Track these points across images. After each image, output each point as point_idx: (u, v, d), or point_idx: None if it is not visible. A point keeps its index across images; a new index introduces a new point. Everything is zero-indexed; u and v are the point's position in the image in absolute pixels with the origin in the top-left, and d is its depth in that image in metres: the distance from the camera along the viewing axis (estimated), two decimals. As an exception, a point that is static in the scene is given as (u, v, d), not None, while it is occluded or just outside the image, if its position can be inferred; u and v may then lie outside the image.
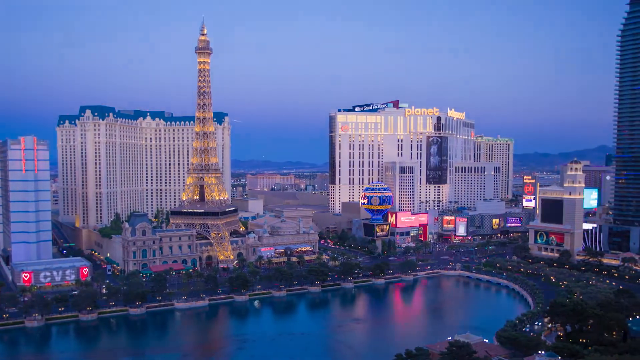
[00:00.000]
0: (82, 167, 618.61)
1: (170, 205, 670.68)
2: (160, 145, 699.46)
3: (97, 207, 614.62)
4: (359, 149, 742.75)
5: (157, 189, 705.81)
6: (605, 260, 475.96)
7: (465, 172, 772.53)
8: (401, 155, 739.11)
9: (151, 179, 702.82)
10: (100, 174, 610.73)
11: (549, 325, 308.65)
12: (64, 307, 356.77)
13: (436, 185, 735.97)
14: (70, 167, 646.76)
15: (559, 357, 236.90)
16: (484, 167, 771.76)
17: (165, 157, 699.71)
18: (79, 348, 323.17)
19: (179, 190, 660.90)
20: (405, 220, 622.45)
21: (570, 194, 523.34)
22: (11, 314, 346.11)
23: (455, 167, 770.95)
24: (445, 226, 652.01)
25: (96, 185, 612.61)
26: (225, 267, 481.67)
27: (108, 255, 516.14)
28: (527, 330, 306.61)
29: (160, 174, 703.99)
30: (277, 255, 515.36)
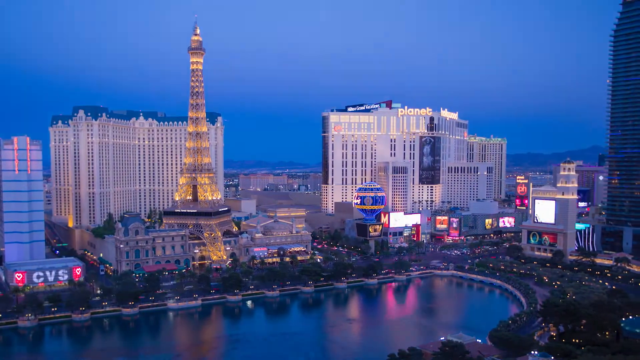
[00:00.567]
0: (75, 167, 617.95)
1: (163, 205, 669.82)
2: (153, 146, 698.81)
3: (90, 207, 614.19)
4: (352, 149, 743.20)
5: (150, 189, 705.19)
6: (598, 261, 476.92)
7: (458, 172, 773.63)
8: (394, 155, 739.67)
9: (144, 179, 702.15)
10: (93, 174, 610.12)
11: (542, 325, 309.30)
12: (57, 307, 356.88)
13: (429, 186, 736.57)
14: (63, 167, 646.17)
15: (552, 357, 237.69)
16: (477, 167, 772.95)
17: (158, 157, 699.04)
18: (71, 348, 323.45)
19: (172, 190, 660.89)
20: (398, 220, 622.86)
21: (563, 194, 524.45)
22: (4, 314, 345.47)
23: (448, 167, 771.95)
24: (438, 226, 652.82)
25: (89, 185, 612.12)
26: (218, 267, 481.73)
27: (101, 255, 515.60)
28: (520, 330, 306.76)
29: (153, 174, 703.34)
30: (270, 255, 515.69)
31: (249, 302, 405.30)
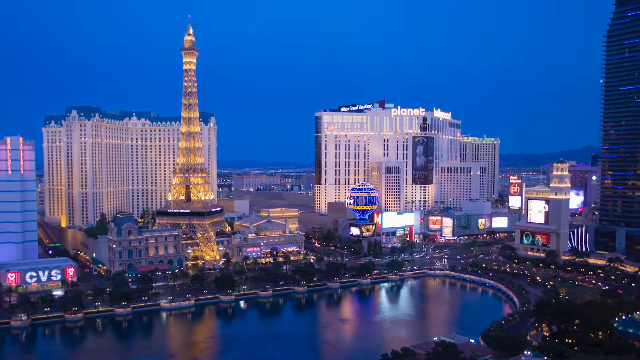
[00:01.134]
0: (68, 167, 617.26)
1: (156, 205, 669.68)
2: (146, 146, 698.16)
3: (82, 207, 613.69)
4: (345, 149, 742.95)
5: (143, 189, 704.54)
6: (591, 261, 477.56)
7: (451, 172, 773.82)
8: (387, 155, 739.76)
9: (137, 179, 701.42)
10: (85, 174, 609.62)
11: (535, 325, 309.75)
12: (50, 307, 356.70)
13: (422, 186, 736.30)
14: (56, 168, 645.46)
15: (545, 357, 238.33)
16: (470, 167, 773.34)
17: (151, 157, 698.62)
18: (64, 348, 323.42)
19: (165, 190, 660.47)
20: (391, 220, 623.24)
21: (556, 194, 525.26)
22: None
23: (441, 167, 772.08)
24: (431, 226, 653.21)
25: (82, 185, 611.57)
26: (211, 267, 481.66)
27: (94, 255, 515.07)
28: (513, 330, 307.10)
29: (146, 174, 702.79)
30: (263, 255, 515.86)
31: (242, 302, 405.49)
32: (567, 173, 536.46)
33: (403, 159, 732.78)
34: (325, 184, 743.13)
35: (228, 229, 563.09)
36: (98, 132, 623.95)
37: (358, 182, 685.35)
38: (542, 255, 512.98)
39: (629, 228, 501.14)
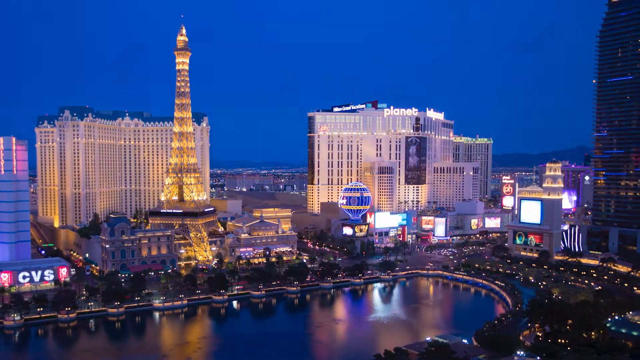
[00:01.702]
0: (61, 168, 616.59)
1: (149, 205, 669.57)
2: (139, 146, 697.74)
3: (75, 207, 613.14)
4: (338, 149, 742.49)
5: (136, 189, 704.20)
6: (584, 261, 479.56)
7: (444, 172, 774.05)
8: (380, 155, 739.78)
9: (130, 179, 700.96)
10: (78, 174, 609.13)
11: (528, 325, 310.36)
12: (43, 307, 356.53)
13: (415, 186, 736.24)
14: (49, 168, 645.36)
15: (538, 358, 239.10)
16: (463, 168, 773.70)
17: (144, 158, 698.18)
18: (57, 348, 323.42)
19: (158, 190, 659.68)
20: (384, 220, 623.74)
21: (549, 194, 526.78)
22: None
23: (434, 168, 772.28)
24: (424, 226, 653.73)
25: (75, 185, 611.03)
26: (204, 267, 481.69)
27: (87, 255, 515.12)
28: (506, 330, 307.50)
29: (139, 174, 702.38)
30: (256, 255, 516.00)
31: (234, 303, 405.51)
32: (560, 173, 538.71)
33: (396, 159, 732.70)
34: (318, 184, 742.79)
35: (221, 229, 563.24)
36: (91, 132, 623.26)
37: (351, 182, 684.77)
38: (535, 255, 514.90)
39: (621, 228, 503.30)
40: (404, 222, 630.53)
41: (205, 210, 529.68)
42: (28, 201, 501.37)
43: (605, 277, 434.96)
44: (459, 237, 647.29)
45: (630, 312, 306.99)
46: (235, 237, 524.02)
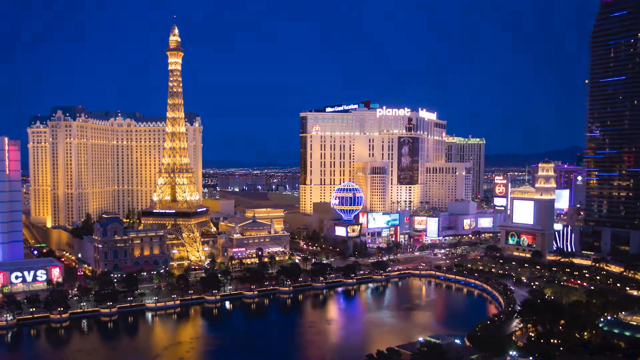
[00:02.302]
0: (53, 168, 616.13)
1: (142, 205, 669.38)
2: (131, 146, 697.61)
3: (68, 207, 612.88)
4: (331, 149, 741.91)
5: (128, 190, 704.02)
6: (576, 261, 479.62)
7: (436, 172, 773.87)
8: (372, 155, 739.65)
9: (122, 180, 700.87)
10: (71, 175, 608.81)
11: (521, 325, 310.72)
12: (35, 307, 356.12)
13: (407, 186, 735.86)
14: (42, 168, 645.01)
15: (531, 358, 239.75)
16: (455, 168, 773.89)
17: (137, 157, 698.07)
18: (50, 348, 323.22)
19: (151, 190, 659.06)
20: (377, 220, 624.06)
21: (541, 195, 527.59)
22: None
23: (427, 168, 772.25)
24: (417, 227, 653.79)
25: (67, 185, 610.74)
26: (197, 267, 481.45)
27: (79, 255, 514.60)
28: (499, 330, 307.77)
29: (132, 174, 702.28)
30: (248, 255, 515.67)
31: (227, 303, 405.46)
32: (552, 173, 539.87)
33: (388, 159, 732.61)
34: (311, 184, 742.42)
35: (213, 229, 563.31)
36: (83, 132, 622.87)
37: (343, 182, 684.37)
38: (528, 255, 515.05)
39: (614, 229, 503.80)
40: (397, 222, 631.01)
41: (198, 210, 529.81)
42: (21, 201, 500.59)
43: (598, 278, 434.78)
44: (451, 237, 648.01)
45: (623, 312, 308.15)
46: (228, 237, 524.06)
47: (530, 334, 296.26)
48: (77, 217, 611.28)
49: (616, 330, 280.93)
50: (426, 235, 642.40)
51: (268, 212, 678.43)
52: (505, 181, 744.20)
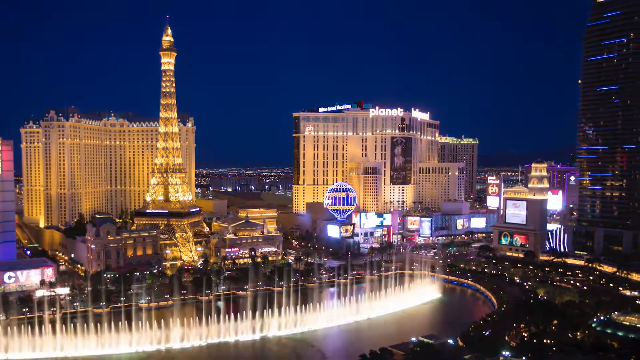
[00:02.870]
0: (46, 168, 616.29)
1: (135, 205, 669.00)
2: (124, 146, 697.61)
3: (61, 207, 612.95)
4: (323, 150, 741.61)
5: (121, 190, 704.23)
6: (569, 261, 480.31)
7: (429, 172, 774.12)
8: (365, 155, 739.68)
9: (115, 180, 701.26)
10: (64, 175, 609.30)
11: (514, 325, 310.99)
12: (28, 307, 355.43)
13: (400, 186, 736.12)
14: (35, 168, 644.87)
15: (523, 358, 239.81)
16: (448, 168, 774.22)
17: (130, 158, 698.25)
18: (42, 348, 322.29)
19: (144, 190, 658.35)
20: (370, 220, 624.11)
21: (534, 195, 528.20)
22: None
23: (420, 168, 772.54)
24: (410, 227, 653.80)
25: (60, 186, 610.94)
26: (190, 267, 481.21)
27: (72, 255, 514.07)
28: (492, 330, 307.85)
29: (125, 174, 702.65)
30: (241, 255, 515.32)
31: (219, 303, 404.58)
32: (545, 173, 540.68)
33: (381, 159, 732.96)
34: (304, 184, 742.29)
35: (206, 229, 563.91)
36: (76, 132, 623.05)
37: (336, 182, 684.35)
38: (521, 255, 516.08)
39: (607, 229, 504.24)
40: (389, 223, 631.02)
41: (191, 210, 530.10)
42: (14, 201, 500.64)
43: (591, 278, 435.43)
44: (444, 238, 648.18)
45: (616, 313, 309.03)
46: (221, 238, 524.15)
47: (523, 334, 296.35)
48: (70, 217, 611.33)
49: (609, 331, 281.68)
50: (419, 236, 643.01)
51: (261, 212, 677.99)
52: (498, 181, 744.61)
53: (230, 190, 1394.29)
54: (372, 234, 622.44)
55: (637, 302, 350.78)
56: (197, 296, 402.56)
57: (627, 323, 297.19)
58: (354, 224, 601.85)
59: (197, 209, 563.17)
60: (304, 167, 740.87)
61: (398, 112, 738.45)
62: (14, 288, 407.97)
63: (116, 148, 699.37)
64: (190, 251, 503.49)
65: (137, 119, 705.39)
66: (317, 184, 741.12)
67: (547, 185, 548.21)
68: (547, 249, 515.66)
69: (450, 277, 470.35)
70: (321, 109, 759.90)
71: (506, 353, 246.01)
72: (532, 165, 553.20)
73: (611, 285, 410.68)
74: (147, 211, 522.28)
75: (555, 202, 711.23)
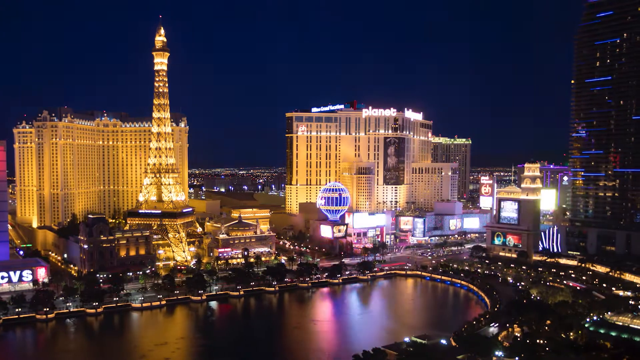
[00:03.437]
0: (39, 168, 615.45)
1: (128, 206, 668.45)
2: (117, 146, 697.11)
3: (53, 208, 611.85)
4: (317, 150, 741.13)
5: (114, 190, 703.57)
6: (562, 261, 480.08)
7: (422, 172, 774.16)
8: (359, 156, 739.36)
9: (108, 180, 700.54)
10: (57, 175, 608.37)
11: (507, 325, 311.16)
12: (21, 307, 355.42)
13: (394, 186, 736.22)
14: (28, 168, 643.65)
15: (517, 358, 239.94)
16: (442, 168, 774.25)
17: (123, 158, 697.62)
18: (35, 348, 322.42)
19: (137, 191, 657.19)
20: (363, 221, 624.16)
21: (527, 195, 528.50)
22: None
23: (413, 168, 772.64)
24: (403, 227, 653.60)
25: (53, 186, 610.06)
26: (183, 267, 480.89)
27: (65, 256, 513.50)
28: (485, 331, 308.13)
29: (118, 174, 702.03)
30: (234, 255, 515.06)
31: (213, 303, 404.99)
32: (538, 173, 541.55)
33: (374, 159, 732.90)
34: (297, 184, 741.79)
35: (199, 229, 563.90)
36: (69, 132, 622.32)
37: (329, 182, 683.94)
38: (514, 255, 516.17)
39: (600, 229, 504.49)
40: (383, 223, 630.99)
41: (184, 210, 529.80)
42: (7, 201, 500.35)
43: (584, 278, 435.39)
44: (437, 238, 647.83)
45: (609, 313, 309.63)
46: (214, 238, 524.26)
47: (516, 334, 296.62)
48: (63, 217, 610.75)
49: (602, 331, 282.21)
50: (412, 236, 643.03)
51: (254, 212, 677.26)
52: (491, 181, 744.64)
53: (223, 190, 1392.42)
54: (365, 234, 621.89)
55: (630, 302, 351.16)
56: (189, 296, 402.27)
57: (620, 323, 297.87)
58: (347, 224, 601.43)
59: (190, 209, 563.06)
60: (297, 167, 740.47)
61: (391, 112, 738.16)
62: (6, 288, 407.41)
63: (109, 148, 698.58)
64: (183, 251, 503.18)
65: (130, 119, 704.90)
66: (310, 184, 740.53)
67: (540, 185, 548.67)
68: (540, 249, 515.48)
69: (443, 277, 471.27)
70: (314, 109, 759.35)
71: (499, 353, 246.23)
72: (525, 165, 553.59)
73: (604, 285, 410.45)
74: (140, 211, 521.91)
75: (548, 202, 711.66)
